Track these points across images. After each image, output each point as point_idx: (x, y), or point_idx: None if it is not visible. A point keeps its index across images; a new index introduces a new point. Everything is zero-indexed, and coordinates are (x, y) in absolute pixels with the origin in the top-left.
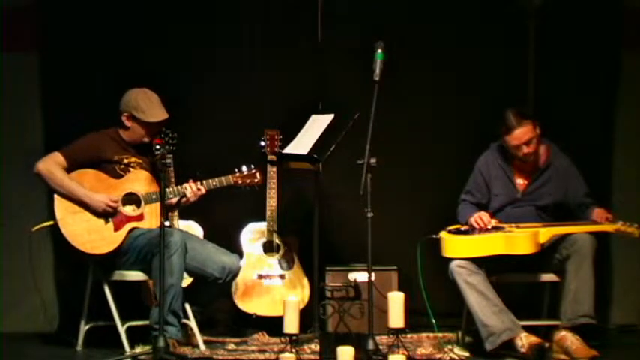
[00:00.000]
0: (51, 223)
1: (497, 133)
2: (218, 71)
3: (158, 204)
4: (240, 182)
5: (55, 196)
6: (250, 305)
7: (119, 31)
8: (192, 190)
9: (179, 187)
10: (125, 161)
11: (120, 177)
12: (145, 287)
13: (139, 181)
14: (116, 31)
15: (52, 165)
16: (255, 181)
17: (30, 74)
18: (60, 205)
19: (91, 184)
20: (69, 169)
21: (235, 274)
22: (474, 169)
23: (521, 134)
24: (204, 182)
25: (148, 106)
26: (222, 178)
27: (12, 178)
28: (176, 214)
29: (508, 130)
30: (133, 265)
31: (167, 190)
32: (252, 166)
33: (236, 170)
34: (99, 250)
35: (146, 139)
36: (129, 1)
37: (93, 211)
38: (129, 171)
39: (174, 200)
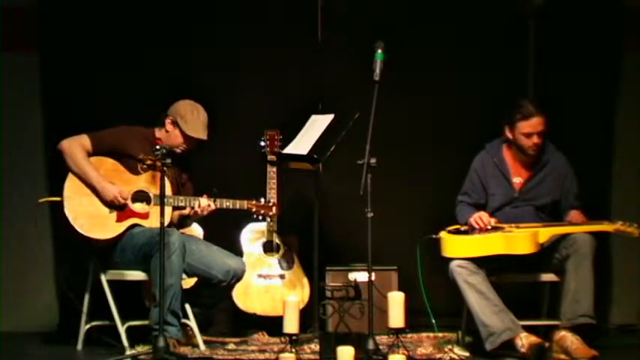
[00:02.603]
0: (59, 198)
1: (502, 128)
2: (218, 71)
3: (167, 206)
4: (254, 210)
5: (69, 174)
6: (250, 305)
7: (119, 31)
8: (201, 205)
9: (192, 197)
10: (149, 162)
11: (138, 174)
12: (146, 287)
13: (153, 182)
14: (116, 31)
15: (75, 145)
16: (270, 213)
17: (30, 74)
18: (70, 184)
19: (107, 173)
20: (92, 154)
21: (239, 278)
22: (469, 170)
23: (537, 123)
24: (217, 200)
25: (193, 119)
26: (237, 202)
27: (12, 177)
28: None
29: (525, 116)
30: (131, 264)
31: (179, 197)
32: (271, 201)
33: (254, 198)
34: (96, 235)
35: (178, 150)
36: (129, 2)
37: (101, 199)
38: (148, 171)
39: (187, 211)
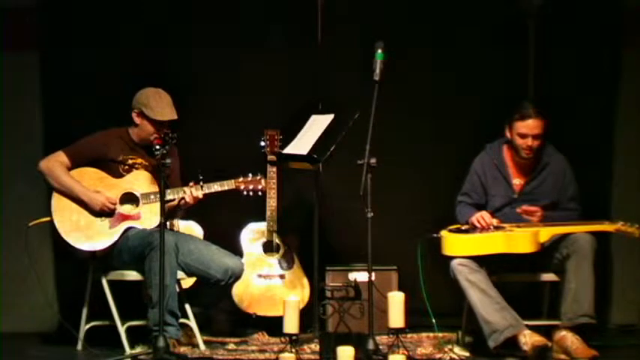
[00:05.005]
0: (48, 219)
1: (502, 128)
2: (218, 71)
3: (156, 204)
4: (242, 187)
5: (54, 192)
6: (250, 305)
7: (119, 31)
8: (190, 193)
9: (178, 189)
10: (130, 162)
11: (121, 176)
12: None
13: (138, 181)
14: (116, 31)
15: (53, 163)
16: (259, 187)
17: (30, 74)
18: (57, 202)
19: (90, 183)
20: (72, 168)
21: (238, 277)
22: (469, 170)
23: (534, 125)
24: (204, 185)
25: (157, 104)
26: (225, 182)
27: (12, 178)
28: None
29: (523, 117)
30: (127, 265)
31: (166, 191)
32: (259, 174)
33: (240, 175)
34: (92, 247)
35: (153, 139)
36: (129, 1)
37: (90, 209)
38: (132, 171)
39: (175, 203)
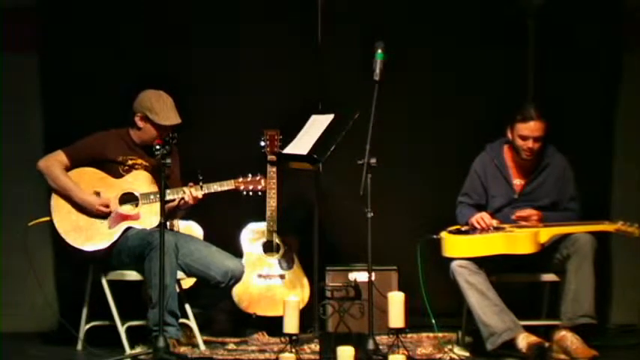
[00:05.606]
0: (47, 218)
1: (503, 128)
2: (218, 71)
3: (156, 204)
4: (242, 187)
5: (53, 192)
6: (250, 305)
7: (119, 31)
8: (190, 194)
9: (177, 189)
10: (130, 162)
11: (121, 177)
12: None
13: (138, 181)
14: (116, 31)
15: (52, 163)
16: (259, 187)
17: (30, 74)
18: (56, 202)
19: (90, 183)
20: (71, 167)
21: (238, 279)
22: (469, 171)
23: (535, 127)
24: (204, 185)
25: (162, 108)
26: (225, 182)
27: (11, 177)
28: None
29: (525, 118)
30: (127, 265)
31: (166, 191)
32: (258, 174)
33: (240, 175)
34: (92, 247)
35: (159, 141)
36: (128, 2)
37: (87, 212)
38: (131, 172)
39: (175, 203)
